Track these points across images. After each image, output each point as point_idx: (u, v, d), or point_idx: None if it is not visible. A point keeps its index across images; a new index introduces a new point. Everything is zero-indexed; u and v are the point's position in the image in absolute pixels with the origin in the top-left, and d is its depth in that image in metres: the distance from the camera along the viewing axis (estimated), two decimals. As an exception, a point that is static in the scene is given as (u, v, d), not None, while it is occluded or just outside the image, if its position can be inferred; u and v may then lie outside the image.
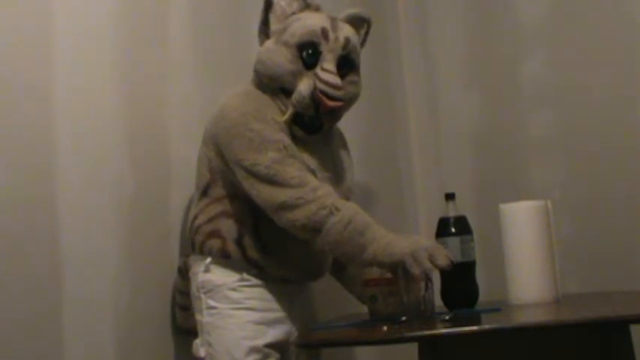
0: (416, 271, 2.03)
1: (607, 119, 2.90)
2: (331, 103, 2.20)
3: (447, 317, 2.20)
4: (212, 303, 2.22)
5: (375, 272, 2.24)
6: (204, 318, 2.22)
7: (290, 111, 2.21)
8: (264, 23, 2.27)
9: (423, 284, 2.15)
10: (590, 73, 2.94)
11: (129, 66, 2.28)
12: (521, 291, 2.32)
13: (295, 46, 2.21)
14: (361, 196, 2.61)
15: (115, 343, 2.15)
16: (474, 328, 2.03)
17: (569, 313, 2.20)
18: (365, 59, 2.37)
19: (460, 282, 2.37)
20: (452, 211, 2.39)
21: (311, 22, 2.24)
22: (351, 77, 2.27)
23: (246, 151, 2.15)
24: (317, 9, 2.30)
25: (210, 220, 2.24)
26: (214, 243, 2.22)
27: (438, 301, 2.32)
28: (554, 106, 3.00)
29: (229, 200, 2.23)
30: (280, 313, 2.25)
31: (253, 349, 2.18)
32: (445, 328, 2.07)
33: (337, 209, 2.09)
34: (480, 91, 3.15)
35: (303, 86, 2.19)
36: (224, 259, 2.22)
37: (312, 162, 2.22)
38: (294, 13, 2.26)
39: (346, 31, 2.28)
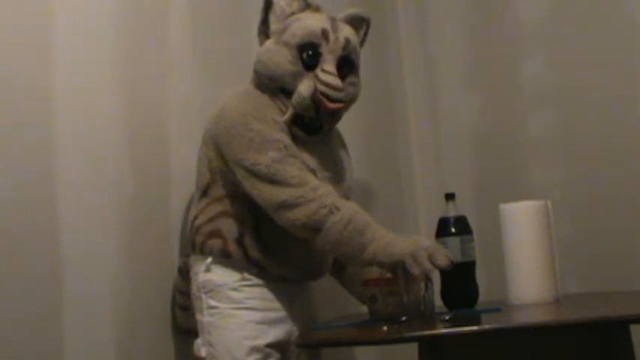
0: (416, 271, 2.03)
1: (607, 119, 2.90)
2: (332, 105, 2.20)
3: (447, 317, 2.20)
4: (213, 303, 2.22)
5: (375, 272, 2.24)
6: (205, 318, 2.22)
7: (290, 112, 2.21)
8: (264, 23, 2.27)
9: (423, 284, 2.15)
10: (590, 73, 2.93)
11: (129, 66, 2.28)
12: (521, 291, 2.32)
13: (295, 47, 2.21)
14: (361, 196, 2.61)
15: (115, 343, 2.15)
16: (474, 328, 2.03)
17: (569, 313, 2.20)
18: (365, 59, 2.37)
19: (460, 282, 2.37)
20: (452, 211, 2.39)
21: (311, 22, 2.24)
22: (350, 78, 2.27)
23: (246, 150, 2.15)
24: (317, 9, 2.30)
25: (210, 220, 2.24)
26: (215, 243, 2.22)
27: (438, 301, 2.31)
28: (554, 106, 3.00)
29: (229, 200, 2.23)
30: (281, 313, 2.25)
31: (254, 349, 2.18)
32: (445, 328, 2.07)
33: (337, 208, 2.09)
34: (480, 91, 3.14)
35: (304, 87, 2.19)
36: (225, 258, 2.22)
37: (312, 161, 2.22)
38: (293, 13, 2.26)
39: (346, 31, 2.28)
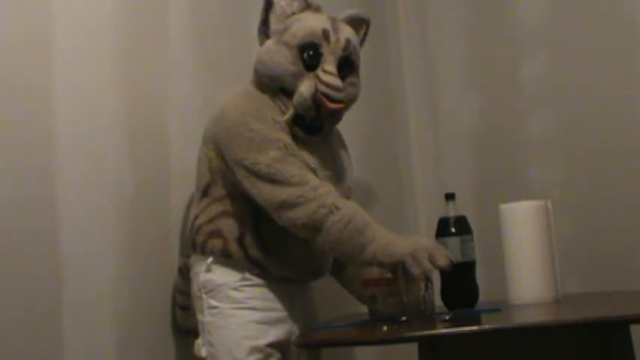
0: (416, 271, 2.03)
1: (607, 119, 2.90)
2: (332, 106, 2.20)
3: (447, 317, 2.20)
4: (213, 303, 2.22)
5: (374, 272, 2.24)
6: (205, 318, 2.22)
7: (290, 112, 2.21)
8: (264, 23, 2.27)
9: (423, 284, 2.15)
10: (590, 73, 2.93)
11: (129, 66, 2.28)
12: (521, 291, 2.32)
13: (296, 47, 2.21)
14: (361, 196, 2.61)
15: (115, 343, 2.15)
16: (474, 328, 2.03)
17: (569, 313, 2.20)
18: (365, 59, 2.37)
19: (460, 282, 2.36)
20: (452, 211, 2.39)
21: (312, 23, 2.24)
22: (350, 79, 2.27)
23: (246, 150, 2.15)
24: (317, 9, 2.30)
25: (211, 220, 2.24)
26: (216, 243, 2.22)
27: (438, 301, 2.31)
28: (554, 106, 3.00)
29: (230, 200, 2.23)
30: (282, 313, 2.25)
31: (255, 349, 2.18)
32: (445, 328, 2.07)
33: (337, 208, 2.09)
34: (480, 91, 3.14)
35: (304, 88, 2.19)
36: (225, 258, 2.22)
37: (312, 161, 2.22)
38: (294, 14, 2.26)
39: (347, 32, 2.28)
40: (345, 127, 2.42)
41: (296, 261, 2.25)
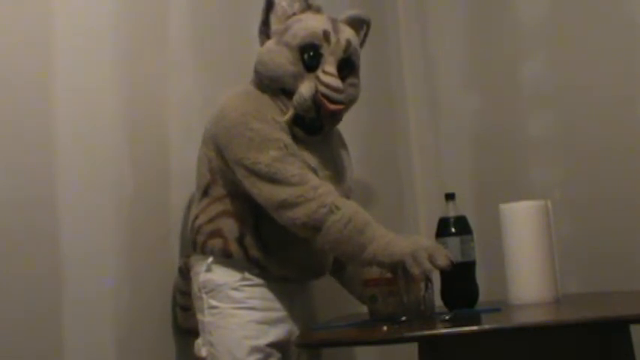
0: (416, 271, 2.03)
1: (607, 119, 2.90)
2: (333, 107, 2.20)
3: (447, 317, 2.20)
4: (214, 303, 2.22)
5: (374, 272, 2.23)
6: (205, 318, 2.22)
7: (290, 112, 2.21)
8: (265, 23, 2.27)
9: (423, 284, 2.15)
10: (590, 73, 2.93)
11: (129, 66, 2.28)
12: (521, 291, 2.32)
13: (296, 48, 2.21)
14: (361, 196, 2.61)
15: (115, 343, 2.15)
16: (474, 328, 2.03)
17: (569, 313, 2.20)
18: (365, 60, 2.37)
19: (460, 282, 2.36)
20: (452, 211, 2.39)
21: (312, 23, 2.24)
22: (351, 79, 2.27)
23: (246, 150, 2.15)
24: (318, 10, 2.30)
25: (211, 220, 2.24)
26: (216, 243, 2.22)
27: (438, 301, 2.31)
28: (554, 106, 3.00)
29: (230, 200, 2.23)
30: (282, 313, 2.25)
31: (255, 349, 2.18)
32: (445, 328, 2.07)
33: (337, 208, 2.09)
34: (480, 91, 3.15)
35: (305, 88, 2.19)
36: (226, 258, 2.22)
37: (312, 160, 2.22)
38: (294, 14, 2.26)
39: (347, 33, 2.28)
40: (345, 127, 2.42)
41: (296, 261, 2.25)
